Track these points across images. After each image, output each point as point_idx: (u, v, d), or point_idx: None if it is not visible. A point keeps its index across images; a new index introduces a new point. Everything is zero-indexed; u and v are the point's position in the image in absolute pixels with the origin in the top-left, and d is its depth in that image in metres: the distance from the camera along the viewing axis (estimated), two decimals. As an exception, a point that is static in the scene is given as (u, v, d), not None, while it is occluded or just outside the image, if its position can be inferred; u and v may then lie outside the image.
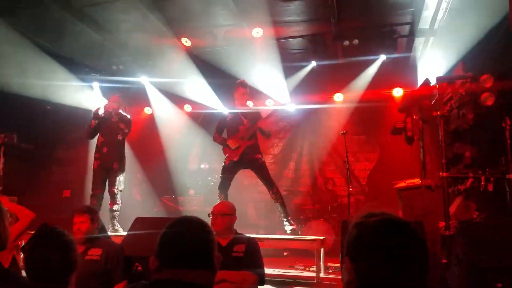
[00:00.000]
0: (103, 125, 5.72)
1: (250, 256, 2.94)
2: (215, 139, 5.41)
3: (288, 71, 7.87)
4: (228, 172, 5.33)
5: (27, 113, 6.39)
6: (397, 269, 1.03)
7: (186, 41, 6.98)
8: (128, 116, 5.92)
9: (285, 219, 5.00)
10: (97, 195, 5.64)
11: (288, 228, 4.97)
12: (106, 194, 5.76)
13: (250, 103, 5.63)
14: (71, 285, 1.58)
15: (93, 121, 5.71)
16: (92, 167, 5.73)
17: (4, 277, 1.55)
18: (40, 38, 6.21)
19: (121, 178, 5.78)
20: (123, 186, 5.82)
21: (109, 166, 5.67)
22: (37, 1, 5.65)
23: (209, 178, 8.48)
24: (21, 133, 6.29)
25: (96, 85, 7.85)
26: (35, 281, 1.55)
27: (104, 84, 7.83)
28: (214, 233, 1.41)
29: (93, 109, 5.89)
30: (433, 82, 4.39)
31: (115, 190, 5.71)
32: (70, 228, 3.27)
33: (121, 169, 5.78)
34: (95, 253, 3.26)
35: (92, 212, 3.33)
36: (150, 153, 9.27)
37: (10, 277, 1.57)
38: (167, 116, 9.13)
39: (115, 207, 5.72)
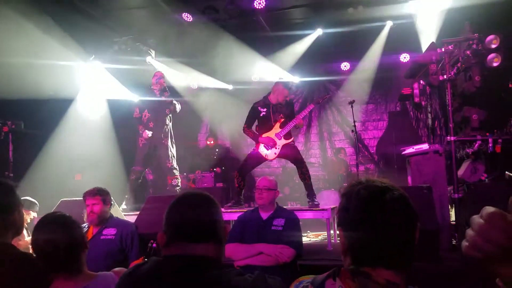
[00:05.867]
0: (151, 100, 5.60)
1: (288, 230, 3.00)
2: (245, 132, 5.05)
3: (292, 41, 7.75)
4: (255, 161, 5.10)
5: (32, 99, 6.39)
6: (384, 235, 1.02)
7: (187, 17, 6.94)
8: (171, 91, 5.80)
9: (309, 198, 4.99)
10: (136, 171, 5.55)
11: (309, 204, 4.98)
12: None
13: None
14: (83, 263, 1.63)
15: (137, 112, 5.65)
16: (138, 144, 5.58)
17: (19, 259, 1.61)
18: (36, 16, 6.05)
19: (173, 153, 5.63)
20: (175, 161, 5.66)
21: (157, 142, 5.53)
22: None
23: (217, 154, 8.56)
24: (28, 120, 6.35)
25: (98, 64, 7.75)
26: (47, 266, 1.60)
27: (107, 65, 7.78)
28: (220, 205, 1.42)
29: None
30: (439, 45, 4.30)
31: (170, 165, 5.57)
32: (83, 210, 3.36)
33: (172, 145, 5.63)
34: (109, 232, 3.34)
35: (104, 193, 3.39)
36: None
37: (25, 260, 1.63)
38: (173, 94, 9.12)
39: (174, 181, 5.59)
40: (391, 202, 1.04)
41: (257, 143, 5.02)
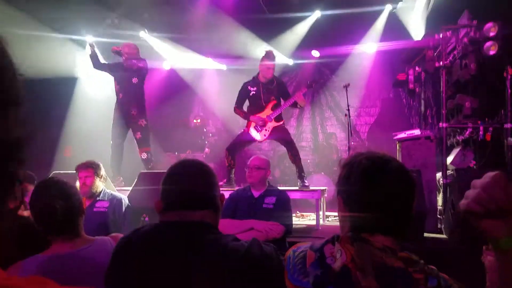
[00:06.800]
0: (117, 69, 5.42)
1: (279, 208, 3.10)
2: (236, 112, 5.08)
3: (290, 23, 7.70)
4: (244, 141, 5.16)
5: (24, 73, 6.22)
6: (384, 203, 1.06)
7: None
8: (143, 58, 5.52)
9: (299, 179, 5.06)
10: (115, 145, 5.41)
11: (300, 185, 5.04)
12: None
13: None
14: (81, 227, 1.64)
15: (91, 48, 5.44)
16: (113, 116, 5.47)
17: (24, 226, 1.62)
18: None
19: (143, 124, 5.43)
20: (148, 133, 5.47)
21: (127, 113, 5.36)
22: None
23: (210, 134, 8.55)
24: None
25: (90, 39, 7.59)
26: (45, 230, 1.60)
27: (99, 39, 7.63)
28: (217, 176, 1.44)
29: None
30: (437, 31, 4.31)
31: (139, 137, 5.39)
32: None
33: (141, 115, 5.41)
34: (102, 205, 3.37)
35: (96, 167, 3.40)
36: (149, 110, 9.25)
37: (23, 223, 1.64)
38: (164, 74, 9.04)
39: (144, 155, 5.40)
40: (392, 171, 1.08)
41: (248, 121, 5.03)
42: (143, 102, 5.52)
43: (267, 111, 4.94)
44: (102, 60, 5.66)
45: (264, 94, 4.97)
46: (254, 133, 4.99)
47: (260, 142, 5.24)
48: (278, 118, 4.98)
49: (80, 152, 6.91)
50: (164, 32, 7.97)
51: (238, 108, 5.07)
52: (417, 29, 6.57)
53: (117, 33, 7.40)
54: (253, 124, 4.99)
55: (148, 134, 5.50)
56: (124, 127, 5.48)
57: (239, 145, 5.19)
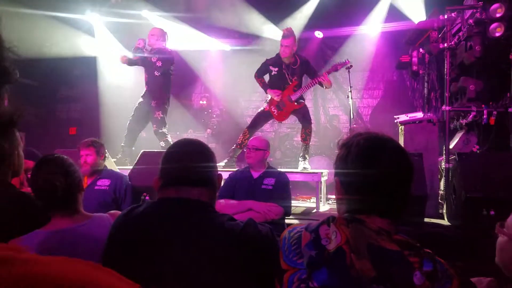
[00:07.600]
0: (145, 63, 5.43)
1: (278, 190, 3.09)
2: (256, 80, 5.06)
3: (296, 3, 7.56)
4: (264, 119, 5.19)
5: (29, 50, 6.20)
6: (381, 184, 1.05)
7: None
8: (169, 50, 5.51)
9: (301, 158, 5.07)
10: (129, 129, 5.50)
11: (301, 165, 5.06)
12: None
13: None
14: (80, 204, 1.65)
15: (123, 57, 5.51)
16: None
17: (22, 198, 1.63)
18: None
19: (159, 116, 5.44)
20: (163, 126, 5.49)
21: (149, 104, 5.42)
22: None
23: (214, 115, 8.53)
24: (24, 70, 6.21)
25: (95, 17, 7.53)
26: (45, 206, 1.61)
27: (105, 19, 7.55)
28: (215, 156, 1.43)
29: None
30: (443, 12, 4.22)
31: (155, 129, 5.47)
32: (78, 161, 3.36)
33: (159, 108, 5.42)
34: (103, 183, 3.38)
35: (98, 145, 3.40)
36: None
37: (24, 198, 1.65)
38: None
39: (162, 143, 5.47)
40: (390, 152, 1.07)
41: (266, 92, 5.04)
42: (164, 95, 5.49)
43: (289, 91, 4.90)
44: (131, 56, 5.61)
45: (287, 75, 4.91)
46: (274, 113, 5.02)
47: (281, 121, 5.30)
48: (299, 100, 4.93)
49: (86, 131, 6.94)
50: (167, 11, 7.86)
51: (258, 77, 5.05)
52: (417, 12, 6.42)
53: (120, 12, 7.31)
54: (273, 103, 4.96)
55: (162, 126, 5.53)
56: (144, 117, 5.54)
57: (258, 123, 5.23)
